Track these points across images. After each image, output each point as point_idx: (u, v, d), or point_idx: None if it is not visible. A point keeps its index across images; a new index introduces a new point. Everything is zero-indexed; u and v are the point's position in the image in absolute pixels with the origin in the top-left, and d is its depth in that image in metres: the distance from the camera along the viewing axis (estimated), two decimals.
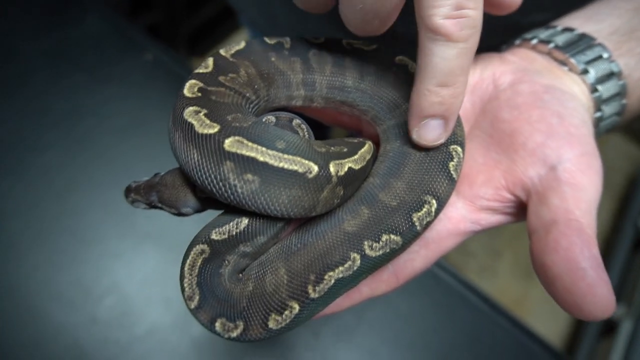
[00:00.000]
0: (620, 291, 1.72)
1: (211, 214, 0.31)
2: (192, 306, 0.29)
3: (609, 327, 1.61)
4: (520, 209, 0.31)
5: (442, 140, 0.29)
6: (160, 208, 0.32)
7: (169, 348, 0.62)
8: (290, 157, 0.25)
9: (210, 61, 0.31)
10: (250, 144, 0.25)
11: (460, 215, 0.31)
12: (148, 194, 0.32)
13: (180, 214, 0.32)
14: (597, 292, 0.24)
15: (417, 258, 0.31)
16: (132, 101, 0.77)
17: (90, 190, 0.69)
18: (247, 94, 0.31)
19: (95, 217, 0.67)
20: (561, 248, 0.25)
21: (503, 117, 0.31)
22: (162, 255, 0.67)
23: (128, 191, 0.33)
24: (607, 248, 2.03)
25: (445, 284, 0.72)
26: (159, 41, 0.83)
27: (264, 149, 0.25)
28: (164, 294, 0.65)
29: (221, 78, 0.30)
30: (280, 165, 0.25)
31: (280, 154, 0.25)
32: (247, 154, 0.25)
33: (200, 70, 0.30)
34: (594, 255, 0.25)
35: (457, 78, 0.26)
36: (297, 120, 0.32)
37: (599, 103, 0.32)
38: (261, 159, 0.25)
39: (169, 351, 0.62)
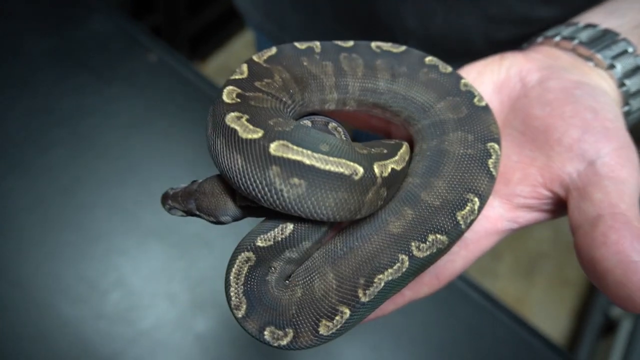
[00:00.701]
0: None
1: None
2: (240, 315, 0.28)
3: (609, 326, 1.62)
4: (557, 206, 0.31)
5: None
6: (198, 216, 0.32)
7: (173, 343, 0.63)
8: (336, 159, 0.25)
9: (244, 67, 0.31)
10: (295, 147, 0.25)
11: (498, 214, 0.31)
12: (186, 202, 0.32)
13: (219, 222, 0.32)
14: None
15: (457, 259, 0.32)
16: (137, 101, 0.78)
17: (95, 187, 0.70)
18: (284, 99, 0.31)
19: (100, 214, 0.68)
20: (610, 242, 0.25)
21: (535, 114, 0.31)
22: (167, 251, 0.68)
23: (165, 198, 0.33)
24: None
25: None
26: (162, 42, 0.84)
27: (309, 152, 0.25)
28: (168, 290, 0.66)
29: (257, 83, 0.30)
30: (327, 168, 0.25)
31: (326, 157, 0.25)
32: (294, 157, 0.24)
33: (236, 77, 0.30)
34: None
35: None
36: (333, 124, 0.32)
37: (626, 97, 0.33)
38: (308, 162, 0.24)
39: (173, 346, 0.63)
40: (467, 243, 0.31)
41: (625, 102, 0.33)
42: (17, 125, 0.72)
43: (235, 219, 0.31)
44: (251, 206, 0.30)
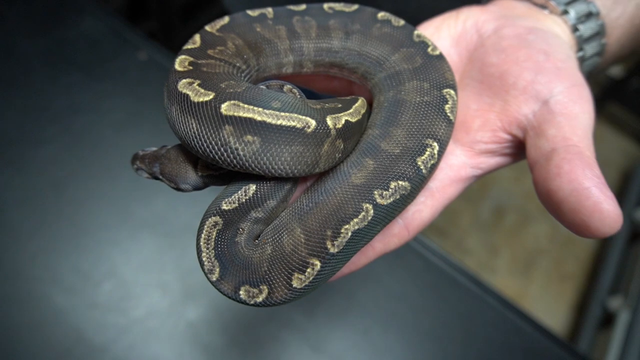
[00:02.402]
0: (618, 283, 1.73)
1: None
2: (214, 278, 0.28)
3: (607, 318, 1.62)
4: (517, 149, 0.32)
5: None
6: (161, 180, 0.33)
7: (166, 331, 0.64)
8: (287, 114, 0.26)
9: (197, 37, 0.32)
10: (246, 106, 0.25)
11: (461, 162, 0.32)
12: (152, 165, 0.32)
13: (178, 189, 0.32)
14: (603, 208, 0.24)
15: (425, 209, 0.32)
16: (127, 97, 0.80)
17: (88, 181, 0.71)
18: (237, 64, 0.32)
19: (93, 207, 0.70)
20: (564, 172, 0.26)
21: (491, 61, 0.32)
22: (158, 241, 0.69)
23: (134, 158, 0.33)
24: (604, 242, 2.05)
25: (434, 266, 0.74)
26: (152, 41, 0.86)
27: (260, 109, 0.25)
28: (160, 279, 0.67)
29: (210, 51, 0.31)
30: (279, 122, 0.25)
31: (277, 112, 0.25)
32: (245, 115, 0.25)
33: (189, 46, 0.31)
34: (596, 174, 0.25)
35: None
36: (288, 86, 0.33)
37: (580, 42, 0.34)
38: (259, 118, 0.25)
39: (166, 334, 0.64)
40: (432, 192, 0.32)
41: (580, 48, 0.34)
42: (12, 123, 0.74)
43: (196, 188, 0.32)
44: (212, 175, 0.31)
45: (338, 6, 0.35)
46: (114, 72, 0.81)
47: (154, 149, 0.33)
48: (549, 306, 1.85)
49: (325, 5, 0.35)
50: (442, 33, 0.35)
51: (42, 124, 0.75)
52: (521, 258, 1.97)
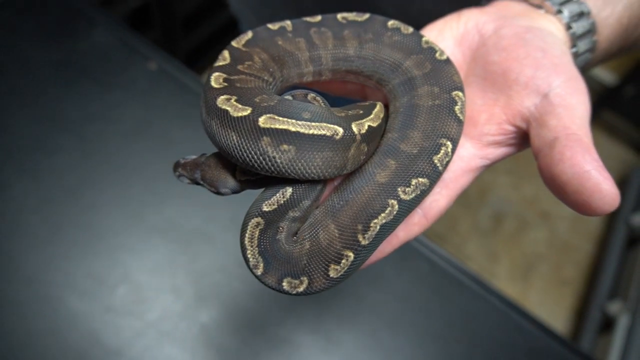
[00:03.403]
0: (617, 288, 1.74)
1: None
2: (259, 273, 0.32)
3: (607, 323, 1.64)
4: (521, 139, 0.34)
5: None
6: (202, 185, 0.36)
7: (179, 333, 0.66)
8: (318, 124, 0.29)
9: (226, 53, 0.34)
10: (281, 118, 0.28)
11: (470, 154, 0.35)
12: (193, 171, 0.35)
13: (218, 193, 0.35)
14: (602, 188, 0.27)
15: (441, 198, 0.35)
16: (138, 106, 0.82)
17: (100, 188, 0.73)
18: (265, 77, 0.34)
19: (106, 213, 0.71)
20: (566, 158, 0.28)
21: (493, 60, 0.34)
22: (170, 247, 0.71)
23: (176, 166, 0.36)
24: (602, 247, 2.07)
25: (439, 268, 0.76)
26: (162, 52, 0.88)
27: (293, 120, 0.28)
28: (173, 283, 0.68)
29: (240, 67, 0.33)
30: (311, 132, 0.28)
31: (309, 123, 0.28)
32: (281, 127, 0.28)
33: (220, 63, 0.34)
34: (595, 159, 0.28)
35: None
36: (311, 94, 0.36)
37: (574, 39, 0.37)
38: (293, 129, 0.28)
39: (179, 336, 0.65)
40: (446, 183, 0.35)
41: (573, 44, 0.37)
42: (25, 132, 0.75)
43: (234, 192, 0.35)
44: (250, 180, 0.34)
45: (350, 16, 0.38)
46: (125, 82, 0.83)
47: (194, 157, 0.36)
48: (549, 311, 1.86)
49: (339, 16, 0.38)
50: (445, 35, 0.38)
51: (56, 133, 0.76)
52: (520, 263, 1.99)
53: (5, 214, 0.69)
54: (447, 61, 0.35)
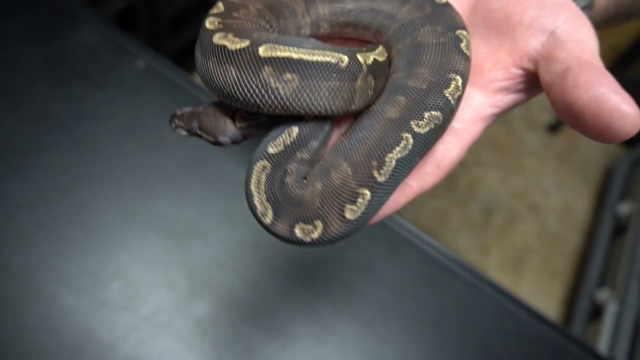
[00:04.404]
0: (605, 276, 1.78)
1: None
2: (268, 221, 0.29)
3: (596, 311, 1.67)
4: (530, 83, 0.34)
5: None
6: (200, 136, 0.34)
7: (174, 327, 0.66)
8: (321, 51, 0.28)
9: (219, 4, 0.33)
10: (282, 46, 0.27)
11: (480, 102, 0.34)
12: (190, 121, 0.34)
13: (217, 143, 0.34)
14: (622, 108, 0.26)
15: (453, 147, 0.34)
16: (128, 104, 0.82)
17: (93, 185, 0.73)
18: (262, 23, 0.34)
19: (99, 209, 0.71)
20: (581, 83, 0.27)
21: (493, 7, 0.34)
22: (164, 241, 0.71)
23: (172, 117, 0.35)
24: (590, 236, 2.10)
25: (430, 257, 0.77)
26: (150, 50, 0.88)
27: (295, 48, 0.27)
28: (167, 278, 0.69)
29: (235, 14, 0.33)
30: (315, 58, 0.27)
31: (312, 50, 0.28)
32: (283, 54, 0.27)
33: (214, 11, 0.33)
34: (611, 80, 0.27)
35: None
36: (312, 40, 0.35)
37: None
38: (296, 56, 0.27)
39: (174, 330, 0.66)
40: (458, 131, 0.34)
41: None
42: (16, 131, 0.75)
43: (234, 141, 0.34)
44: (251, 125, 0.33)
45: None
46: (114, 80, 0.84)
47: (190, 108, 0.35)
48: (540, 302, 1.89)
49: None
50: None
51: (46, 132, 0.76)
52: (511, 256, 2.02)
53: None
54: (447, 4, 0.35)
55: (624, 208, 1.87)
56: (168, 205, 0.73)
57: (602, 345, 1.50)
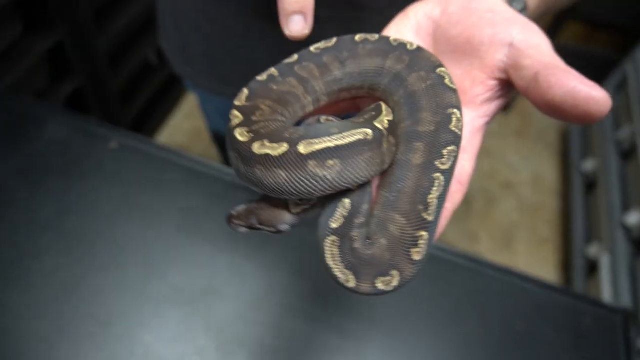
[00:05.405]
0: (590, 232, 1.85)
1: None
2: (353, 285, 0.33)
3: (592, 266, 1.73)
4: (507, 88, 0.38)
5: (307, 32, 0.36)
6: (259, 229, 0.37)
7: None
8: (349, 133, 0.31)
9: (235, 112, 0.36)
10: (317, 139, 0.31)
11: (471, 117, 0.39)
12: (248, 218, 0.37)
13: (278, 232, 0.37)
14: (594, 95, 0.30)
15: (465, 163, 0.38)
16: (111, 186, 0.83)
17: (98, 275, 0.73)
18: (279, 118, 0.38)
19: (109, 298, 0.71)
20: (552, 83, 0.32)
21: (452, 35, 0.39)
22: (182, 311, 0.72)
23: (230, 218, 0.38)
24: (565, 198, 2.20)
25: (432, 256, 0.81)
26: (119, 129, 0.90)
27: (328, 137, 0.31)
28: (194, 345, 0.69)
29: (254, 118, 0.36)
30: (348, 141, 0.31)
31: (341, 135, 0.31)
32: (320, 147, 0.31)
33: (236, 122, 0.36)
34: (576, 76, 0.32)
35: None
36: (322, 117, 0.39)
37: (509, 2, 0.42)
38: (332, 144, 0.31)
39: None
40: (464, 148, 0.38)
41: (510, 4, 0.42)
42: (6, 242, 0.75)
43: (293, 226, 0.37)
44: (305, 209, 0.36)
45: (321, 45, 0.41)
46: (91, 167, 0.84)
47: (244, 206, 0.38)
48: (539, 271, 1.95)
49: (312, 48, 0.41)
50: (402, 31, 0.42)
51: (35, 236, 0.76)
52: (500, 236, 2.08)
53: (7, 330, 0.68)
54: (419, 48, 0.39)
55: (588, 165, 1.97)
56: (177, 275, 0.74)
57: (606, 296, 1.56)
